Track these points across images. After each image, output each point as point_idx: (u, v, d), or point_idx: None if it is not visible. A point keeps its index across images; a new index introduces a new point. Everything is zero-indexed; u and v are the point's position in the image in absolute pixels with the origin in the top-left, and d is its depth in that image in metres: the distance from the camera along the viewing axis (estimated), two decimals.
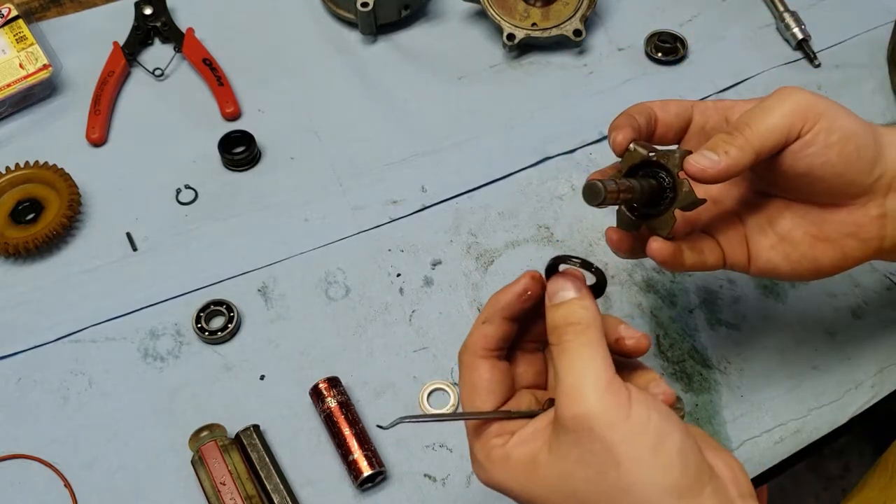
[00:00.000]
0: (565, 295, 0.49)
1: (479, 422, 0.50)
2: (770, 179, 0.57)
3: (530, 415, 0.50)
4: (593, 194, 0.50)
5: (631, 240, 0.58)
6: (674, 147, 0.58)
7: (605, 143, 0.85)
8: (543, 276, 0.51)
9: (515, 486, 0.48)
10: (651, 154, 0.55)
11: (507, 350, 0.53)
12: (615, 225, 0.59)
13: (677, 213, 0.55)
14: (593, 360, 0.46)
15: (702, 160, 0.52)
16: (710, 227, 0.60)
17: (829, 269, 0.58)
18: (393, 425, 0.48)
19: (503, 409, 0.51)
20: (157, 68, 0.92)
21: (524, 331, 0.54)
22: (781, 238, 0.58)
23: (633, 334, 0.50)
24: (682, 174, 0.54)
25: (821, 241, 0.57)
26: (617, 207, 0.57)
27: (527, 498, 0.47)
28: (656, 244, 0.56)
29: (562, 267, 0.50)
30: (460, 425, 0.70)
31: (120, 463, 0.69)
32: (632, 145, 0.55)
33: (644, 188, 0.54)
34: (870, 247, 0.57)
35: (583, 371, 0.45)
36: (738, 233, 0.59)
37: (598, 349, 0.46)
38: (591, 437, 0.44)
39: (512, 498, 0.49)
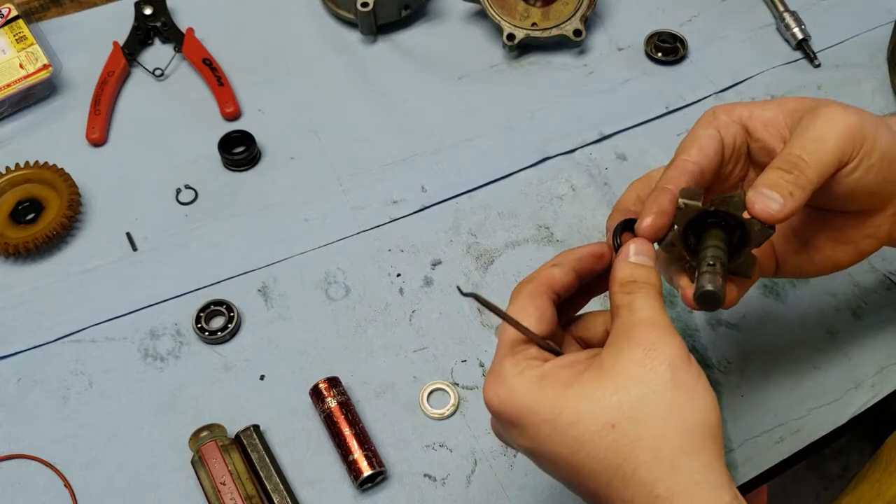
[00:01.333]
0: (644, 259, 0.50)
1: (517, 338, 0.50)
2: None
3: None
4: (715, 302, 0.50)
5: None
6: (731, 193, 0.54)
7: (605, 143, 0.86)
8: (612, 237, 0.54)
9: (541, 406, 0.46)
10: (709, 205, 0.51)
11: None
12: (681, 278, 0.55)
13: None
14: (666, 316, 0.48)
15: (768, 203, 0.50)
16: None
17: (847, 264, 0.59)
18: (468, 295, 0.49)
19: None
20: (157, 68, 0.92)
21: (567, 307, 0.55)
22: (805, 244, 0.59)
23: None
24: (746, 215, 0.51)
25: (841, 244, 0.58)
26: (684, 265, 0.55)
27: (546, 422, 0.46)
28: (732, 295, 0.55)
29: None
30: (461, 425, 0.70)
31: (120, 463, 0.69)
32: (680, 201, 0.51)
33: (725, 248, 0.52)
34: (881, 241, 0.58)
35: (661, 314, 0.47)
36: (767, 246, 0.59)
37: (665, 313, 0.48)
38: (659, 363, 0.45)
39: (520, 427, 0.48)
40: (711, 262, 0.51)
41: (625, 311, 0.48)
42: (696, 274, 0.51)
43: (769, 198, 0.50)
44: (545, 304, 0.51)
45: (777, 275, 0.61)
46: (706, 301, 0.50)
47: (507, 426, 0.49)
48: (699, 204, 0.51)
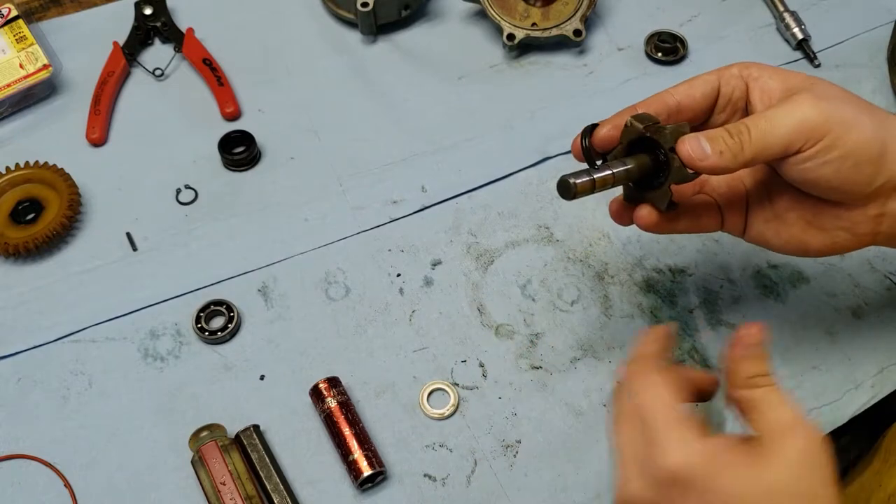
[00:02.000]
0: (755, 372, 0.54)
1: (678, 403, 0.53)
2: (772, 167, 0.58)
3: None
4: (564, 189, 0.55)
5: (630, 212, 0.60)
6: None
7: None
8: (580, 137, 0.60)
9: (721, 478, 0.49)
10: (645, 130, 0.56)
11: None
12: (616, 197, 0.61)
13: (673, 185, 0.57)
14: None
15: (695, 148, 0.54)
16: (715, 189, 0.62)
17: (816, 252, 0.60)
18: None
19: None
20: (157, 68, 0.92)
21: None
22: (776, 216, 0.60)
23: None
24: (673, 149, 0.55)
25: (813, 227, 0.58)
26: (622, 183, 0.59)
27: (726, 495, 0.49)
28: (643, 212, 0.59)
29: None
30: (461, 425, 0.70)
31: (120, 463, 0.69)
32: (629, 120, 0.57)
33: (632, 169, 0.56)
34: (861, 240, 0.58)
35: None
36: (740, 200, 0.61)
37: None
38: (819, 468, 0.50)
39: (694, 491, 0.50)
40: (596, 165, 0.56)
41: (768, 408, 0.52)
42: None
43: (700, 145, 0.54)
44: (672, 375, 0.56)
45: (744, 237, 0.62)
46: (559, 186, 0.56)
47: (673, 491, 0.50)
48: (641, 126, 0.56)
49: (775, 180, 0.59)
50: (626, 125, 0.57)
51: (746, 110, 0.59)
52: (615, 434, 0.55)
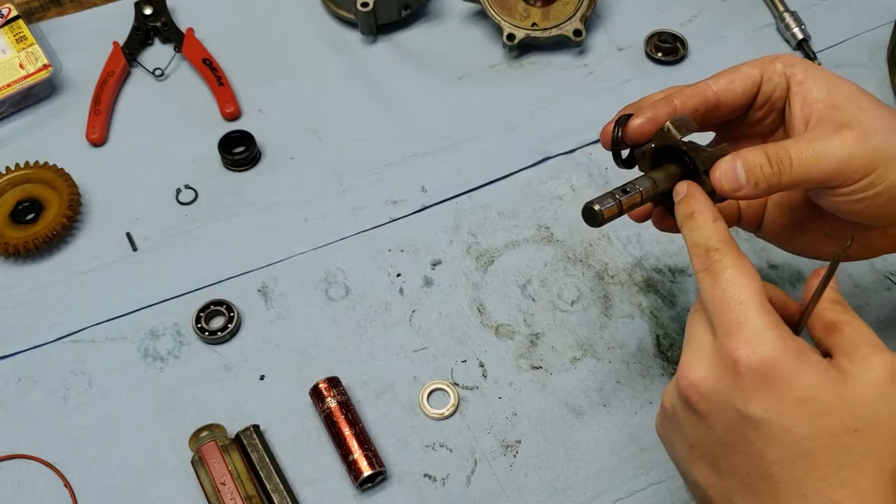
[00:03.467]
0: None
1: (767, 301, 0.48)
2: None
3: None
4: (591, 217, 0.52)
5: (669, 216, 0.57)
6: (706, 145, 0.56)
7: None
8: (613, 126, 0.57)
9: (798, 381, 0.45)
10: (683, 144, 0.53)
11: None
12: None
13: None
14: None
15: (730, 178, 0.51)
16: None
17: (826, 259, 0.59)
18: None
19: None
20: (157, 68, 0.92)
21: None
22: (794, 224, 0.59)
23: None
24: (708, 173, 0.53)
25: (830, 239, 0.58)
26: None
27: (797, 399, 0.45)
28: (658, 217, 0.57)
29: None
30: (461, 425, 0.70)
31: (120, 463, 0.69)
32: (666, 125, 0.53)
33: (661, 182, 0.53)
34: (873, 253, 0.58)
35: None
36: (760, 203, 0.60)
37: None
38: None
39: (762, 391, 0.46)
40: (624, 189, 0.53)
41: (852, 329, 0.48)
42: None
43: (735, 174, 0.51)
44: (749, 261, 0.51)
45: (757, 234, 0.61)
46: (584, 213, 0.52)
47: (743, 386, 0.46)
48: (679, 137, 0.53)
49: (797, 194, 0.58)
50: (663, 129, 0.54)
51: (783, 114, 0.57)
52: (690, 318, 0.51)
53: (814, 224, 0.58)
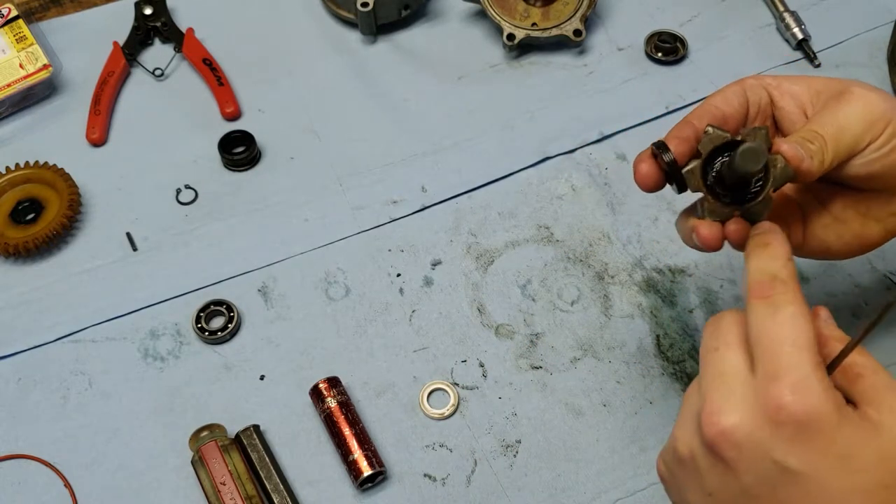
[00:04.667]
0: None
1: (815, 347, 0.45)
2: (830, 173, 0.56)
3: None
4: (757, 156, 0.48)
5: (722, 230, 0.54)
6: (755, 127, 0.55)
7: (605, 143, 0.86)
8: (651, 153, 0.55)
9: (839, 435, 0.43)
10: (735, 134, 0.52)
11: None
12: (690, 220, 0.55)
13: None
14: None
15: (796, 149, 0.51)
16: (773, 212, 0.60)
17: (875, 245, 0.59)
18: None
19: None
20: (157, 68, 0.92)
21: None
22: (835, 218, 0.59)
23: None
24: (772, 150, 0.52)
25: (869, 220, 0.58)
26: (700, 198, 0.54)
27: (836, 454, 0.43)
28: (733, 227, 0.53)
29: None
30: (461, 425, 0.70)
31: (120, 463, 0.69)
32: (708, 128, 0.53)
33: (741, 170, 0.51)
34: None
35: None
36: (794, 214, 0.60)
37: None
38: None
39: (802, 442, 0.43)
40: (681, 181, 0.51)
41: (871, 373, 0.47)
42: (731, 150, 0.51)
43: (796, 146, 0.52)
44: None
45: (803, 252, 0.59)
46: (747, 154, 0.48)
47: (783, 436, 0.43)
48: (727, 134, 0.52)
49: (821, 186, 0.59)
50: (705, 132, 0.52)
51: (775, 119, 0.58)
52: (713, 350, 0.47)
53: (851, 211, 0.58)
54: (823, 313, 0.51)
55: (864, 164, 0.54)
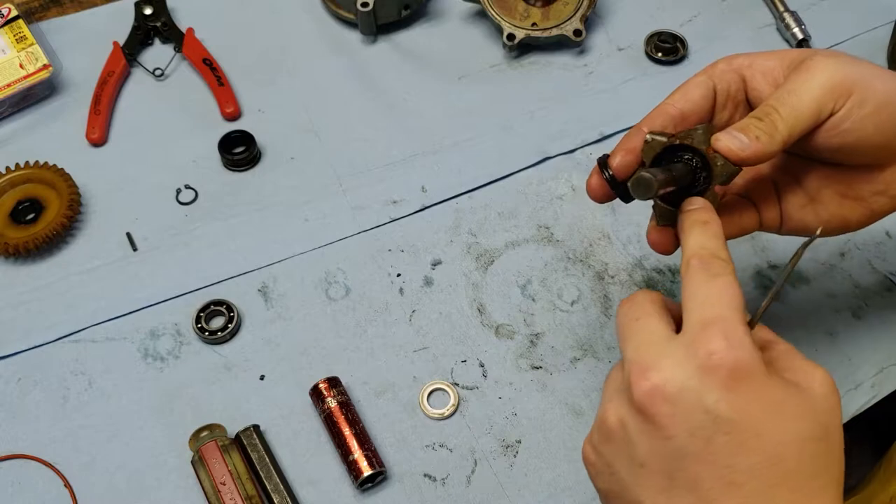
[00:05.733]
0: None
1: (742, 308, 0.46)
2: (801, 147, 0.55)
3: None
4: (645, 187, 0.49)
5: (671, 236, 0.56)
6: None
7: (605, 143, 0.85)
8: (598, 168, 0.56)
9: (771, 386, 0.44)
10: (672, 139, 0.53)
11: None
12: (649, 223, 0.57)
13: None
14: None
15: (732, 141, 0.51)
16: (743, 189, 0.60)
17: (857, 224, 0.58)
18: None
19: None
20: (157, 68, 0.92)
21: None
22: (811, 198, 0.58)
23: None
24: (710, 149, 0.52)
25: (850, 199, 0.57)
26: (652, 203, 0.55)
27: (772, 401, 0.44)
28: (654, 235, 0.56)
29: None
30: (461, 425, 0.70)
31: (120, 463, 0.69)
32: (648, 136, 0.53)
33: (678, 175, 0.52)
34: (879, 213, 0.57)
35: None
36: (770, 193, 0.59)
37: None
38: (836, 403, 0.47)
39: (735, 390, 0.44)
40: (656, 170, 0.51)
41: (782, 345, 0.49)
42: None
43: (734, 136, 0.51)
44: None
45: (782, 231, 0.60)
46: (637, 184, 0.49)
47: (715, 384, 0.44)
48: (665, 140, 0.53)
49: (799, 162, 0.58)
50: (646, 142, 0.53)
51: (748, 101, 0.57)
52: (634, 320, 0.49)
53: (829, 189, 0.57)
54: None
55: (833, 136, 0.53)
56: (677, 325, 0.49)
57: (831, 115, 0.52)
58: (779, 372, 0.47)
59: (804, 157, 0.58)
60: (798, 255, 0.51)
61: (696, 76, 0.57)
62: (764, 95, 0.55)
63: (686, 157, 0.53)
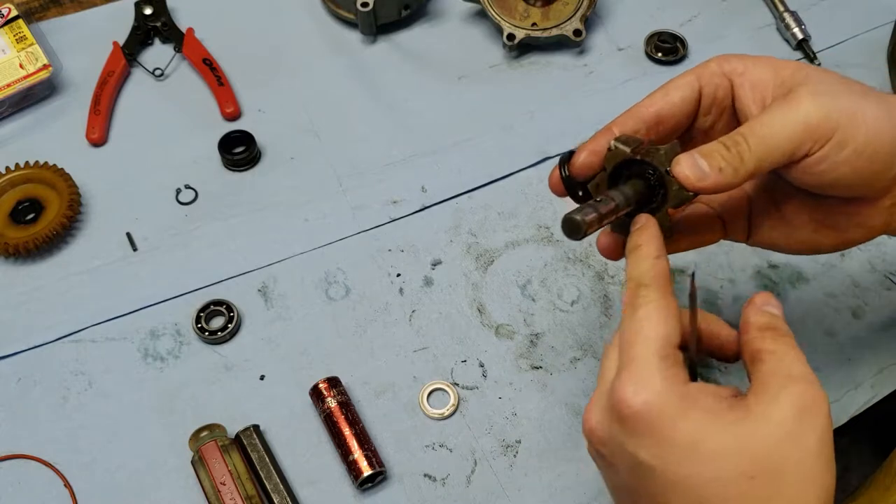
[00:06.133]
0: (776, 311, 0.50)
1: (668, 340, 0.46)
2: (774, 173, 0.54)
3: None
4: (573, 229, 0.48)
5: (621, 244, 0.54)
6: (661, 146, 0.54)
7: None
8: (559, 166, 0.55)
9: (683, 425, 0.43)
10: (635, 152, 0.51)
11: None
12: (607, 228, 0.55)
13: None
14: None
15: (692, 169, 0.49)
16: (714, 199, 0.58)
17: (829, 250, 0.56)
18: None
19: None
20: (157, 68, 0.92)
21: None
22: (785, 221, 0.56)
23: None
24: (670, 171, 0.50)
25: (825, 228, 0.55)
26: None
27: (682, 444, 0.43)
28: (603, 240, 0.55)
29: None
30: (461, 425, 0.70)
31: (120, 463, 0.69)
32: (612, 143, 0.52)
33: (630, 197, 0.51)
34: (873, 232, 0.55)
35: (812, 373, 0.46)
36: (741, 206, 0.57)
37: None
38: (813, 429, 0.44)
39: (649, 437, 0.44)
40: (598, 199, 0.50)
41: (773, 359, 0.46)
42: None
43: (696, 164, 0.49)
44: (675, 305, 0.48)
45: (749, 242, 0.58)
46: (565, 226, 0.48)
47: (629, 430, 0.45)
48: (628, 150, 0.51)
49: (780, 184, 0.56)
50: (609, 149, 0.52)
51: (735, 109, 0.55)
52: (603, 356, 0.50)
53: (805, 217, 0.55)
54: (759, 299, 0.50)
55: (808, 175, 0.50)
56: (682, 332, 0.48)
57: (807, 155, 0.49)
58: (750, 393, 0.45)
59: (782, 177, 0.55)
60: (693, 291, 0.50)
61: (684, 75, 0.55)
62: (748, 111, 0.53)
63: (648, 171, 0.51)
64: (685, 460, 0.43)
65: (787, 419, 0.43)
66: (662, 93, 0.54)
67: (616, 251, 0.55)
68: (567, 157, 0.55)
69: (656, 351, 0.45)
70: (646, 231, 0.50)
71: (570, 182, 0.55)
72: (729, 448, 0.43)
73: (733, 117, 0.55)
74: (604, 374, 0.48)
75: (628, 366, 0.45)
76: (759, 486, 0.42)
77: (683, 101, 0.54)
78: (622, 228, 0.54)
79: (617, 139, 0.52)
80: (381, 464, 0.67)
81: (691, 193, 0.50)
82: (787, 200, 0.56)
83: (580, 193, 0.56)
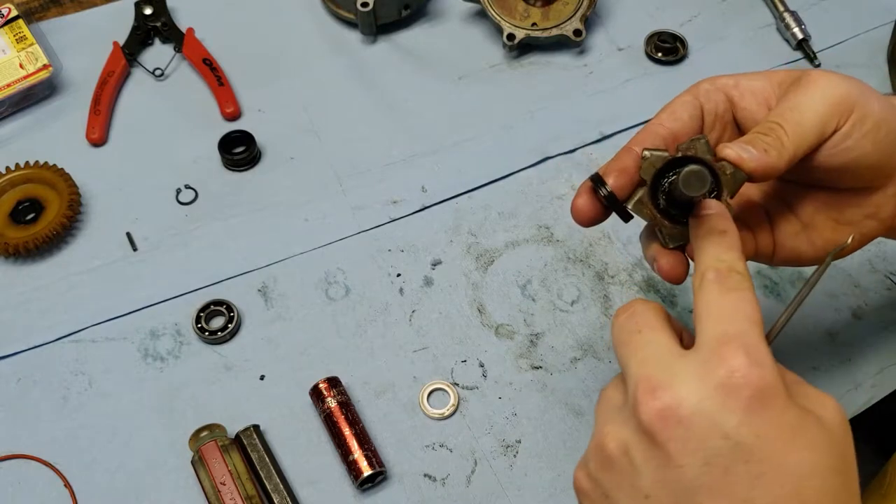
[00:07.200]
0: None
1: (760, 323, 0.42)
2: (797, 171, 0.52)
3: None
4: (700, 180, 0.44)
5: (685, 260, 0.52)
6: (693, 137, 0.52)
7: (605, 143, 0.86)
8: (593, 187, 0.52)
9: (791, 411, 0.40)
10: (675, 153, 0.50)
11: None
12: (648, 251, 0.53)
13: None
14: None
15: (742, 153, 0.48)
16: (737, 218, 0.56)
17: (850, 250, 0.56)
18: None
19: None
20: (157, 68, 0.92)
21: None
22: (805, 225, 0.56)
23: None
24: (715, 160, 0.49)
25: (842, 225, 0.55)
26: (656, 227, 0.52)
27: (791, 425, 0.40)
28: (664, 261, 0.52)
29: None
30: (461, 425, 0.70)
31: (120, 463, 0.69)
32: (645, 152, 0.50)
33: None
34: (885, 224, 0.55)
35: None
36: (763, 221, 0.57)
37: None
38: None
39: (757, 409, 0.40)
40: (625, 209, 0.49)
41: (787, 374, 0.45)
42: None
43: (743, 147, 0.49)
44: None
45: (774, 261, 0.57)
46: (691, 178, 0.44)
47: (728, 403, 0.40)
48: (665, 153, 0.49)
49: (792, 189, 0.56)
50: (643, 158, 0.50)
51: (736, 123, 0.55)
52: (634, 337, 0.45)
53: (822, 216, 0.55)
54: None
55: (835, 154, 0.51)
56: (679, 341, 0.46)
57: (835, 131, 0.50)
58: (794, 397, 0.42)
59: (796, 182, 0.56)
60: (826, 265, 0.48)
61: (681, 96, 0.55)
62: (756, 116, 0.54)
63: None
64: (794, 446, 0.40)
65: (842, 423, 0.43)
66: (669, 112, 0.54)
67: (682, 269, 0.52)
68: (598, 178, 0.53)
69: (761, 335, 0.42)
70: (724, 217, 0.47)
71: (612, 199, 0.52)
72: (822, 441, 0.41)
73: (736, 131, 0.56)
74: (656, 349, 0.44)
75: (736, 337, 0.41)
76: (844, 483, 0.41)
77: (691, 119, 0.54)
78: (680, 239, 0.51)
79: (647, 149, 0.50)
80: (381, 464, 0.67)
81: (745, 175, 0.49)
82: (800, 202, 0.56)
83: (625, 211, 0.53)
